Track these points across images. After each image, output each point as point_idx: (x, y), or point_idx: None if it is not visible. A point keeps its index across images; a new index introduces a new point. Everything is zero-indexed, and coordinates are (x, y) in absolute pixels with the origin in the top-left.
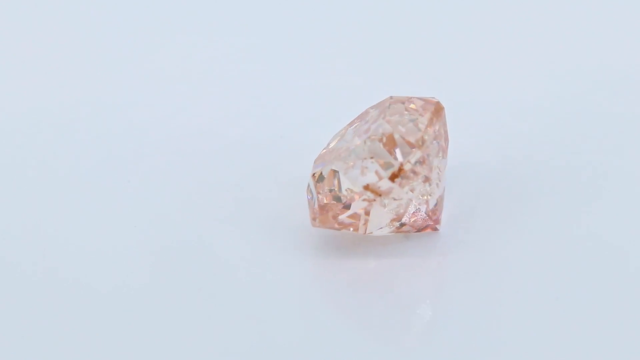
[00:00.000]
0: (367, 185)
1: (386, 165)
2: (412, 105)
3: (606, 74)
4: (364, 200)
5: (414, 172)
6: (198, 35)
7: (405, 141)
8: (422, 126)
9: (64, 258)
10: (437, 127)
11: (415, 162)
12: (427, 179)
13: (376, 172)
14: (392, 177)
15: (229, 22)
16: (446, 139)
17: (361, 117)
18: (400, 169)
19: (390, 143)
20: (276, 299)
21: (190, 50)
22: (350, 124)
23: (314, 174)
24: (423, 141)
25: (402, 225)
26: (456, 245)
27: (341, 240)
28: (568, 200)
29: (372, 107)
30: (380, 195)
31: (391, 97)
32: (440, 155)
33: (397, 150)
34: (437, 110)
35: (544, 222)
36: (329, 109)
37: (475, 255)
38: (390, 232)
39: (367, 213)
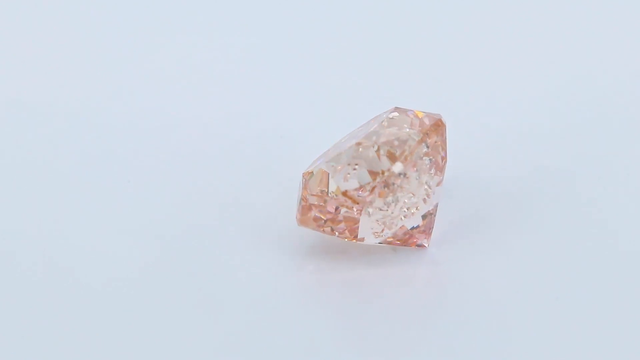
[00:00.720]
0: (346, 191)
1: (368, 175)
2: (412, 119)
3: (603, 88)
4: (343, 206)
5: (398, 186)
6: (198, 35)
7: (391, 154)
8: (412, 142)
9: (63, 258)
10: (431, 143)
11: (400, 175)
12: (413, 194)
13: (358, 180)
14: (372, 188)
15: (229, 22)
16: (443, 157)
17: (370, 121)
18: (383, 181)
19: (378, 153)
20: (263, 302)
21: (191, 50)
22: (360, 127)
23: (305, 172)
24: (410, 155)
25: (389, 237)
26: (445, 259)
27: (331, 246)
28: (565, 212)
29: (385, 112)
30: (358, 204)
31: (396, 108)
32: (433, 171)
33: (383, 161)
34: (437, 126)
35: (541, 236)
36: (330, 109)
37: (464, 268)
38: (377, 243)
39: (349, 220)
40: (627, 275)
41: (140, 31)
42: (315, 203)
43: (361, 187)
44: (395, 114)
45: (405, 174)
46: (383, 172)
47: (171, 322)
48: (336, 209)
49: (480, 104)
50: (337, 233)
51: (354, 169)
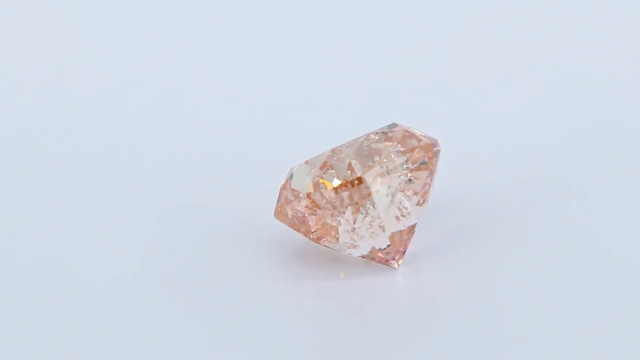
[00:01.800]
0: (309, 194)
1: (336, 182)
2: (405, 137)
3: (590, 105)
4: (309, 208)
5: (366, 199)
6: (199, 36)
7: (365, 166)
8: (391, 159)
9: (63, 258)
10: (414, 163)
11: (370, 189)
12: (381, 210)
13: (325, 185)
14: (338, 196)
15: (229, 23)
16: (428, 182)
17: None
18: (351, 192)
19: (352, 163)
20: (246, 305)
21: (191, 50)
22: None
23: (293, 167)
24: (386, 171)
25: (363, 253)
26: (417, 275)
27: (314, 253)
28: (554, 227)
29: (383, 126)
30: (320, 209)
31: (395, 124)
32: (411, 192)
33: (354, 172)
34: (426, 149)
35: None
36: (329, 109)
37: (437, 284)
38: (349, 254)
39: (319, 224)
40: (613, 295)
41: (140, 31)
42: (291, 199)
43: (327, 192)
44: (394, 129)
45: (369, 187)
46: (353, 183)
47: (162, 322)
48: (306, 210)
49: (469, 121)
50: (311, 235)
51: (325, 174)
